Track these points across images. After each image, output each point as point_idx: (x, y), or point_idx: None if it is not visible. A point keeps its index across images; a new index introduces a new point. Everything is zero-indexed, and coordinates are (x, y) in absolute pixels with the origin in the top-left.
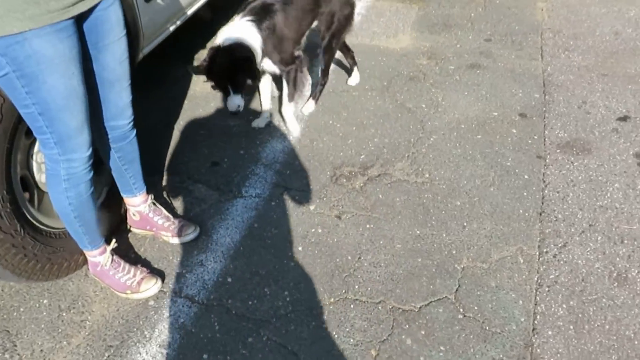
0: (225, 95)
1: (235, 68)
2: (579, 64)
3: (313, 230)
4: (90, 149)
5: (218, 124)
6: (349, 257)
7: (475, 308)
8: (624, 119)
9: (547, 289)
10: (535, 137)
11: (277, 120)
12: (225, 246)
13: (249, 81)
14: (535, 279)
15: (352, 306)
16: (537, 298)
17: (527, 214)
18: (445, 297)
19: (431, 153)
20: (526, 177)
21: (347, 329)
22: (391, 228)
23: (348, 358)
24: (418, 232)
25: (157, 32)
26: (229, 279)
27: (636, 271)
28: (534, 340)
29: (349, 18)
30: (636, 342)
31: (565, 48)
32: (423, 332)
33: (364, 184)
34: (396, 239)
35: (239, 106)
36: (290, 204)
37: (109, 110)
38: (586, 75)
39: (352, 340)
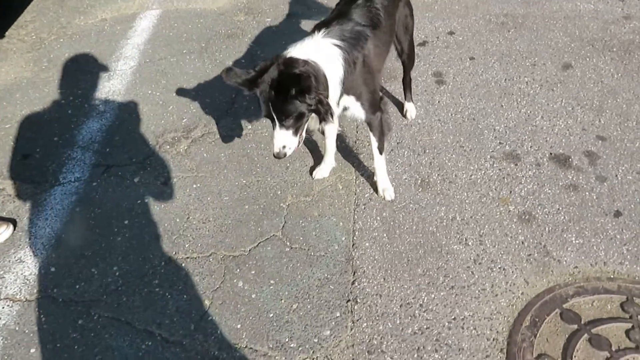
0: (274, 130)
1: (287, 90)
2: None
3: (139, 201)
4: None
5: (25, 114)
6: (177, 220)
7: (301, 239)
8: (422, 44)
9: (363, 207)
10: None
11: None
12: (46, 237)
13: (314, 123)
14: (353, 200)
15: (183, 265)
16: (355, 217)
17: (343, 144)
18: (273, 235)
19: (251, 105)
20: None
21: (180, 287)
22: (218, 183)
23: (182, 313)
24: (244, 181)
25: None
26: (53, 269)
27: (436, 175)
28: (353, 254)
29: (413, 16)
30: (438, 235)
31: None
32: (253, 272)
33: (188, 147)
34: (223, 192)
35: (284, 147)
36: (113, 181)
37: None
38: None
39: (185, 296)
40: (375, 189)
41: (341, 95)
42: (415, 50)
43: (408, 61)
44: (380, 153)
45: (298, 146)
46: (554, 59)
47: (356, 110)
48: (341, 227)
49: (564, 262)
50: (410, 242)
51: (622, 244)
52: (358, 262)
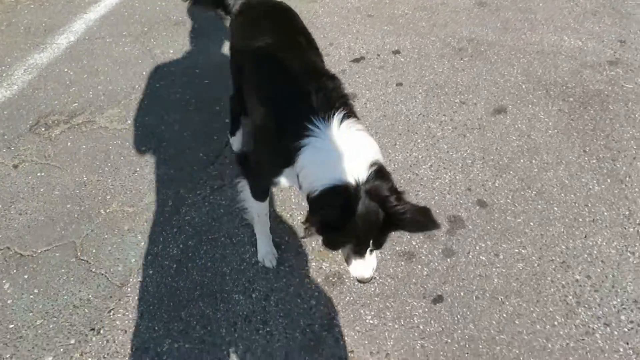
0: (355, 255)
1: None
2: (351, 5)
3: None
4: None
5: None
6: (0, 206)
7: (94, 251)
8: (358, 59)
9: (175, 230)
10: None
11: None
12: None
13: None
14: (174, 220)
15: None
16: (161, 239)
17: (205, 158)
18: (72, 241)
19: (147, 99)
20: (227, 120)
21: None
22: (60, 176)
23: None
24: (85, 178)
25: None
26: None
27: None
28: (131, 280)
29: None
30: (227, 278)
31: None
32: (26, 276)
33: (61, 133)
34: (58, 186)
35: (374, 269)
36: None
37: None
38: (351, 16)
39: None
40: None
41: None
42: (345, 66)
43: None
44: None
45: None
46: (491, 99)
47: None
48: (140, 247)
49: (341, 343)
50: (193, 280)
51: (421, 336)
52: (129, 289)
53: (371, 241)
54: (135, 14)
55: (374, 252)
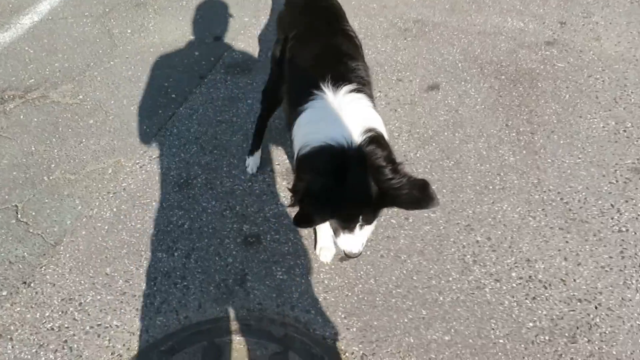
0: (344, 229)
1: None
2: None
3: None
4: None
5: None
6: None
7: (33, 214)
8: None
9: (111, 195)
10: (212, 59)
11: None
12: None
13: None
14: (111, 187)
15: None
16: (97, 203)
17: (149, 130)
18: (14, 205)
19: (101, 76)
20: (173, 95)
21: None
22: (11, 146)
23: None
24: (33, 148)
25: None
26: None
27: (197, 174)
28: (64, 240)
29: None
30: (154, 238)
31: None
32: None
33: (15, 107)
34: (7, 155)
35: (364, 244)
36: None
37: None
38: None
39: None
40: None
41: None
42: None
43: None
44: None
45: None
46: (426, 77)
47: None
48: (77, 211)
49: (252, 295)
50: (122, 240)
51: (325, 290)
52: (62, 248)
53: (360, 217)
54: None
55: (367, 227)
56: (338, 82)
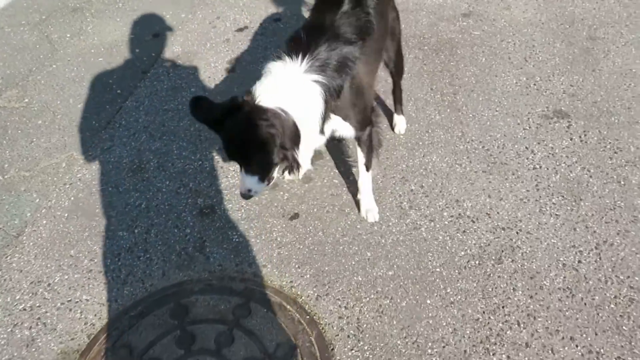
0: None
1: (252, 146)
2: None
3: None
4: None
5: None
6: None
7: None
8: (242, 29)
9: (67, 186)
10: (153, 54)
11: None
12: None
13: (281, 171)
14: (65, 179)
15: None
16: (55, 194)
17: (97, 124)
18: None
19: (44, 79)
20: (118, 91)
21: None
22: None
23: None
24: None
25: None
26: None
27: (149, 159)
28: (26, 230)
29: (399, 19)
30: (113, 220)
31: None
32: None
33: None
34: None
35: (249, 191)
36: None
37: None
38: None
39: None
40: (358, 208)
41: (325, 120)
42: (229, 36)
43: (396, 71)
44: (367, 170)
45: (268, 186)
46: None
47: (344, 130)
48: (35, 204)
49: (212, 259)
50: (82, 224)
51: (278, 246)
52: (25, 238)
53: (239, 160)
54: (34, 4)
55: (253, 177)
56: (305, 56)
